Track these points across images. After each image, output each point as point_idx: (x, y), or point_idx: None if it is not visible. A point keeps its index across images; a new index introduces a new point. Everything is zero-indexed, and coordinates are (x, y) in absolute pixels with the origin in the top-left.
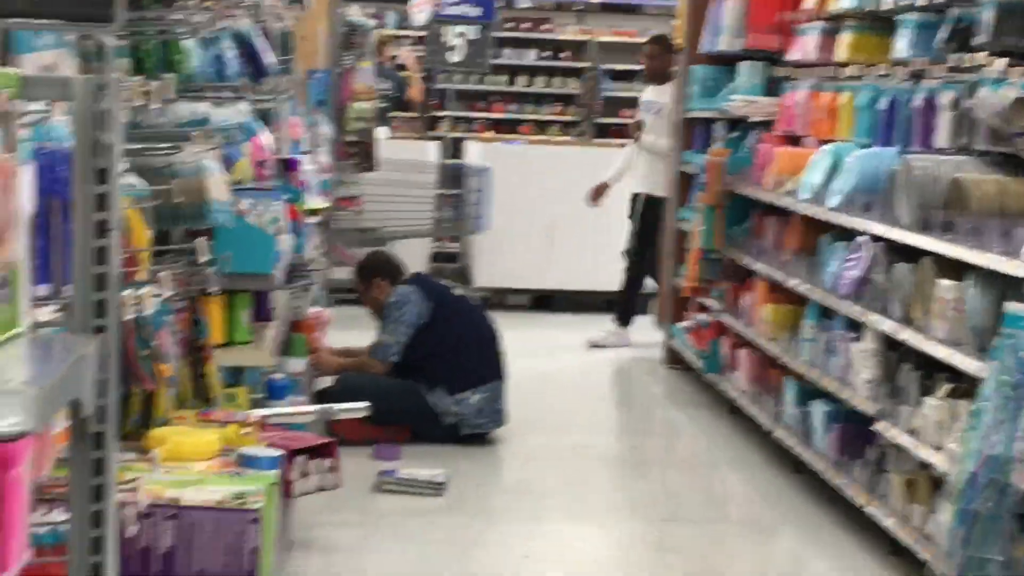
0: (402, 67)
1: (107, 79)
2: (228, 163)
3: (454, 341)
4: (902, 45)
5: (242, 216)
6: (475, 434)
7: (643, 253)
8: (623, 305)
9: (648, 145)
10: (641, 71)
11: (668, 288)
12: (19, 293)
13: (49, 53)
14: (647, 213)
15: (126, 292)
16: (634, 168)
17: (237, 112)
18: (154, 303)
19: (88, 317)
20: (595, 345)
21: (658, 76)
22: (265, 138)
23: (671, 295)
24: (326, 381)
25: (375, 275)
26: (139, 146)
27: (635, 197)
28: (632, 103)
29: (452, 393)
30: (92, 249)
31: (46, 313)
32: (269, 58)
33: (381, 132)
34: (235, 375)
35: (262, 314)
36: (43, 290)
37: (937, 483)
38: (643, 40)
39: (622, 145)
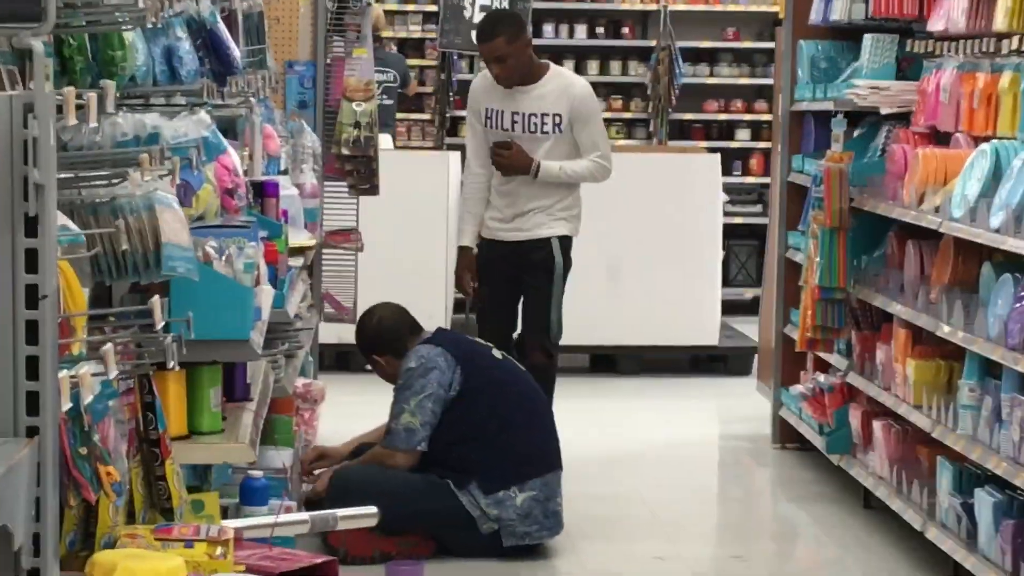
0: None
1: (37, 97)
2: (187, 193)
3: (493, 421)
4: None
5: (207, 263)
6: (522, 545)
7: None
8: None
9: None
10: (727, 50)
11: (776, 340)
12: None
13: None
14: None
15: (61, 374)
16: None
17: (196, 124)
18: (94, 385)
19: (16, 415)
20: None
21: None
22: (234, 157)
23: (781, 350)
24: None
25: (373, 350)
26: (68, 175)
27: None
28: (718, 91)
29: (491, 491)
30: (19, 324)
31: None
32: (235, 50)
33: (383, 141)
34: (201, 476)
35: (235, 393)
36: None
37: None
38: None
39: (707, 149)
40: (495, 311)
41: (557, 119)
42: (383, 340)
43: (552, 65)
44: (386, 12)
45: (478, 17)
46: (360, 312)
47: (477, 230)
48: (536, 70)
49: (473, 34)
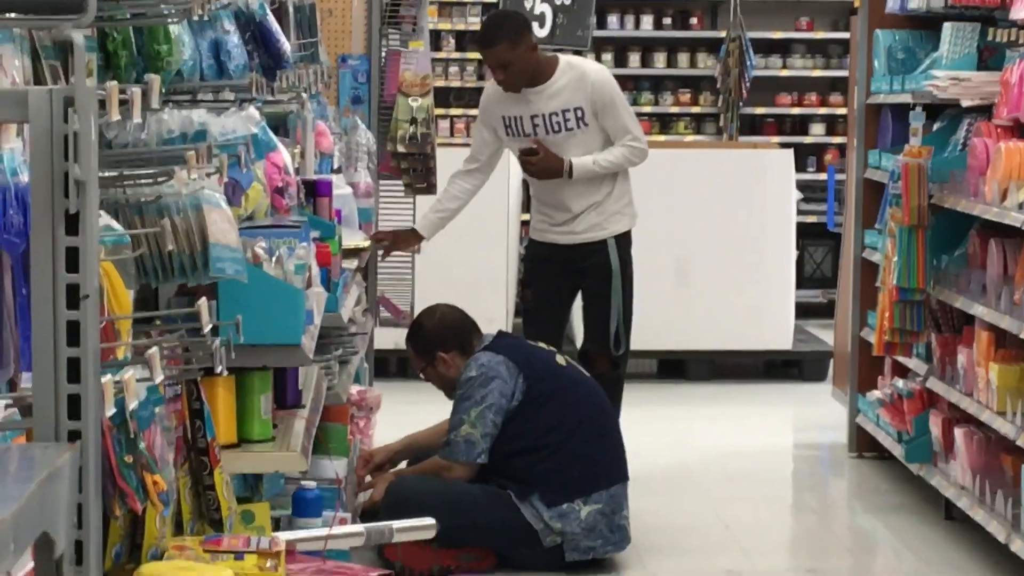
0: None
1: (78, 90)
2: (235, 192)
3: (557, 431)
4: None
5: (257, 265)
6: (586, 560)
7: None
8: None
9: None
10: (800, 41)
11: (853, 344)
12: None
13: None
14: None
15: (104, 378)
16: None
17: (245, 120)
18: (140, 391)
19: (58, 419)
20: None
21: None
22: (284, 154)
23: (857, 354)
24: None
25: (439, 347)
26: (112, 174)
27: None
28: (791, 84)
29: (554, 504)
30: (60, 324)
31: None
32: (286, 43)
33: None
34: (252, 486)
35: (287, 399)
36: None
37: None
38: None
39: (780, 145)
40: (541, 314)
41: (579, 113)
42: (450, 335)
43: (561, 57)
44: (443, 4)
45: (540, 8)
46: (416, 314)
47: (437, 227)
48: (546, 68)
49: (535, 26)
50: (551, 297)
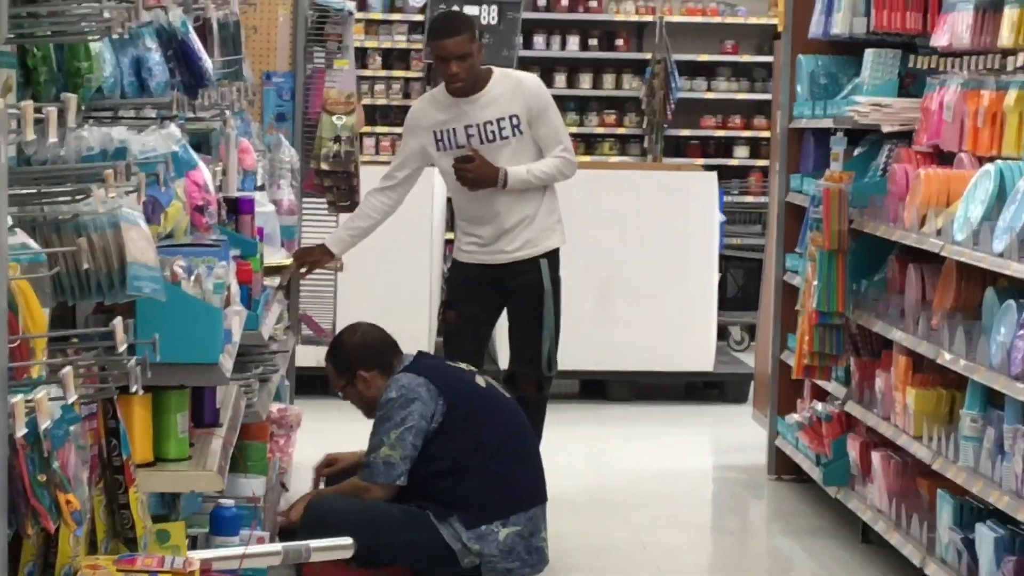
0: None
1: None
2: (154, 210)
3: (477, 453)
4: None
5: (175, 284)
6: None
7: None
8: None
9: None
10: (726, 64)
11: (773, 367)
12: None
13: None
14: None
15: (15, 398)
16: None
17: (165, 138)
18: (53, 409)
19: None
20: None
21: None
22: (205, 172)
23: (777, 377)
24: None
25: (359, 365)
26: (29, 191)
27: None
28: (716, 106)
29: (472, 525)
30: None
31: None
32: (208, 61)
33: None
34: (168, 504)
35: (204, 418)
36: None
37: None
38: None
39: (704, 167)
40: (463, 335)
41: (515, 120)
42: (371, 354)
43: (495, 68)
44: (369, 22)
45: None
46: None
47: (348, 244)
48: (480, 79)
49: None
50: (475, 318)
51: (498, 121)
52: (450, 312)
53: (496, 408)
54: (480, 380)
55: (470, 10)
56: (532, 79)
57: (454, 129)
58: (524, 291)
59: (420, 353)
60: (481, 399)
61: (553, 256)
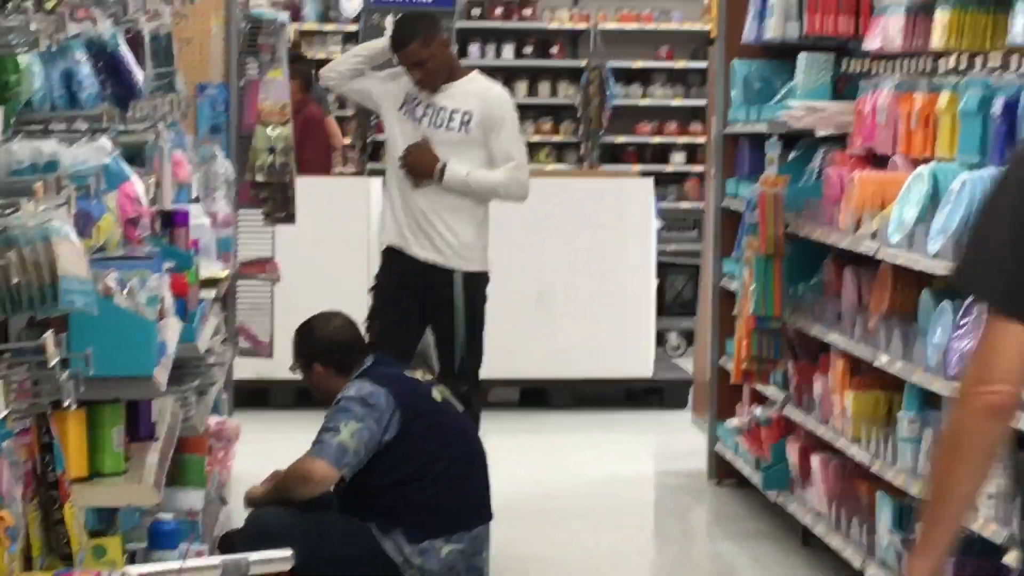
0: None
1: None
2: (86, 223)
3: (428, 469)
4: (1022, 27)
5: (108, 297)
6: None
7: None
8: None
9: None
10: (661, 70)
11: (712, 372)
12: None
13: None
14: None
15: None
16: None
17: (96, 151)
18: None
19: None
20: None
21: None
22: (138, 185)
23: (716, 382)
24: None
25: (318, 358)
26: None
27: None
28: (651, 113)
29: (416, 540)
30: None
31: None
32: (139, 73)
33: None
34: (106, 519)
35: (140, 432)
36: None
37: None
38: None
39: (640, 173)
40: (395, 330)
41: (466, 117)
42: (335, 352)
43: (477, 73)
44: (304, 32)
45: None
46: (276, 344)
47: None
48: (457, 73)
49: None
50: (403, 314)
51: (451, 112)
52: (374, 322)
53: (449, 424)
54: (436, 394)
55: None
56: (501, 91)
57: (419, 102)
58: (435, 300)
59: (379, 356)
60: (435, 414)
61: (472, 279)
